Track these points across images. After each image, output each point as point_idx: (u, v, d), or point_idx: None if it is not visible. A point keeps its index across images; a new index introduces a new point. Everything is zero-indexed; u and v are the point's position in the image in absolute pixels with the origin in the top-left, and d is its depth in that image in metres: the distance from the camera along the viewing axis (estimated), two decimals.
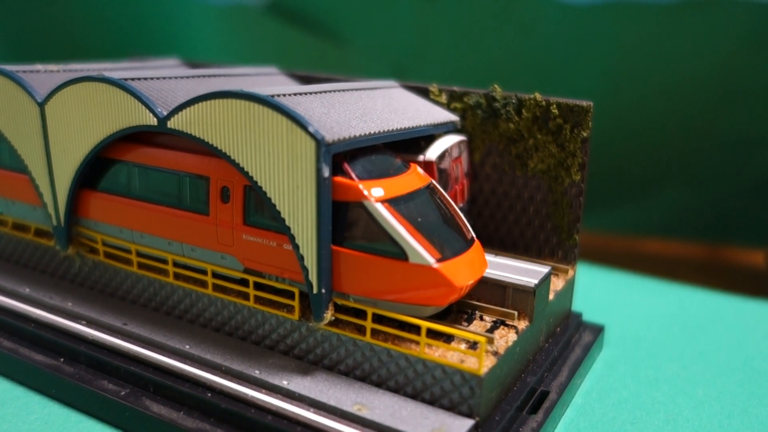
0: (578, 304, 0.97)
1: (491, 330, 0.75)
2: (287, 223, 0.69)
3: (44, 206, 0.91)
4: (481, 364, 0.66)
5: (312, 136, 0.65)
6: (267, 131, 0.68)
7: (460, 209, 0.82)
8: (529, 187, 0.92)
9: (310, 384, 0.72)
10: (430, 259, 0.67)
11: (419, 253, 0.67)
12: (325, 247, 0.68)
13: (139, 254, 0.87)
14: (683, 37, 1.45)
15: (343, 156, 0.71)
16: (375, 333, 0.72)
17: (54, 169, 0.88)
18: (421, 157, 0.84)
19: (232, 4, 1.69)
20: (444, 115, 0.91)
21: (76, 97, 0.82)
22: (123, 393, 0.77)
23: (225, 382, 0.74)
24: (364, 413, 0.68)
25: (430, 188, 0.76)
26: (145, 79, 0.83)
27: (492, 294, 0.80)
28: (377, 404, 0.69)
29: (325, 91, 0.80)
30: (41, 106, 0.86)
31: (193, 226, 0.80)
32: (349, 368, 0.74)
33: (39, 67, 0.94)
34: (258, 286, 0.78)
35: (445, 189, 0.86)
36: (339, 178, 0.69)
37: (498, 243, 0.96)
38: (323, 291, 0.70)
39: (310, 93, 0.78)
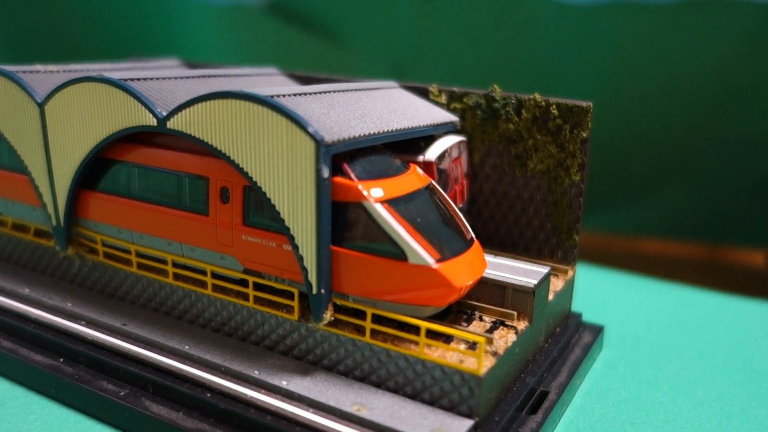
0: (578, 305, 0.97)
1: (491, 330, 0.75)
2: (287, 223, 0.69)
3: (44, 206, 0.91)
4: (481, 364, 0.66)
5: (311, 136, 0.65)
6: (267, 132, 0.68)
7: (460, 210, 0.82)
8: (528, 188, 0.92)
9: (309, 384, 0.72)
10: (430, 260, 0.67)
11: (418, 253, 0.67)
12: (324, 247, 0.68)
13: (139, 255, 0.87)
14: (683, 37, 1.45)
15: (343, 156, 0.71)
16: (374, 333, 0.72)
17: (54, 170, 0.88)
18: (420, 158, 0.84)
19: (232, 4, 1.69)
20: (443, 116, 0.91)
21: (75, 97, 0.82)
22: (122, 393, 0.77)
23: (224, 382, 0.74)
24: (364, 413, 0.68)
25: (429, 189, 0.76)
26: (145, 79, 0.83)
27: (491, 294, 0.80)
28: (376, 404, 0.69)
29: (324, 92, 0.80)
30: (41, 106, 0.86)
31: (192, 227, 0.80)
32: (348, 369, 0.74)
33: (39, 67, 0.94)
34: (257, 287, 0.78)
35: (445, 189, 0.85)
36: (338, 179, 0.69)
37: (497, 243, 0.96)
38: (323, 291, 0.70)
39: (310, 93, 0.78)
